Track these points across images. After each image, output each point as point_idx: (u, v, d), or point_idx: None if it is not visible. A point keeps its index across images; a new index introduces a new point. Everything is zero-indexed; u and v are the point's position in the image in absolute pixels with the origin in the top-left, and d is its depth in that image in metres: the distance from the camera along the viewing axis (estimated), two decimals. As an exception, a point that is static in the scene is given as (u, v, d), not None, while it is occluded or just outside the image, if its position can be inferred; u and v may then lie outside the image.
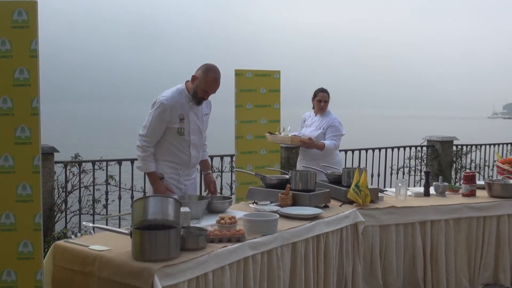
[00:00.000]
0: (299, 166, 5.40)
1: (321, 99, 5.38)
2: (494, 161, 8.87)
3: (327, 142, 5.22)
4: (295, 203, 3.84)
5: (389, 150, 8.07)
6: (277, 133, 5.54)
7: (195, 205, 3.50)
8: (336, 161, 5.35)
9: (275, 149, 5.91)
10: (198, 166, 4.27)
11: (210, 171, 4.27)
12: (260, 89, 5.83)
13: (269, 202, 3.95)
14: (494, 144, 9.26)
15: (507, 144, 9.39)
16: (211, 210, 3.68)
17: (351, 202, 4.09)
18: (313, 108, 5.51)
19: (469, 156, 8.74)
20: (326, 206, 3.98)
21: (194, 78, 3.88)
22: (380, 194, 4.38)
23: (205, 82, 3.84)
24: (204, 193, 4.31)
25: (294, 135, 5.35)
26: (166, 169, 3.94)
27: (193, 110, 3.95)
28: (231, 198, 3.91)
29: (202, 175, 4.30)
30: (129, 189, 5.87)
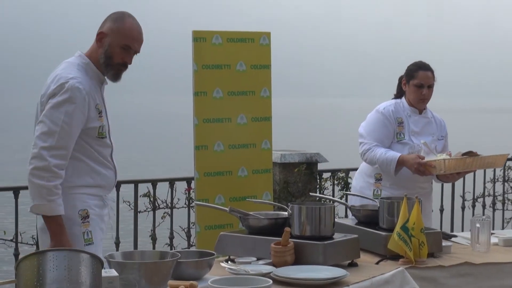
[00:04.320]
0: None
1: (423, 82, 5.45)
2: None
3: None
4: (299, 259, 3.91)
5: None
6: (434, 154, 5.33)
7: (155, 269, 3.37)
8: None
9: (264, 168, 5.93)
10: None
11: None
12: (236, 65, 5.86)
13: (255, 259, 4.02)
14: None
15: None
16: (175, 277, 3.58)
17: (395, 257, 4.20)
18: (399, 96, 5.60)
19: None
20: (353, 264, 4.08)
21: (102, 35, 4.10)
22: (445, 243, 4.50)
23: (123, 33, 4.09)
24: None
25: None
26: (88, 200, 4.06)
27: (102, 95, 4.19)
28: (213, 254, 3.86)
29: None
30: (12, 240, 5.91)
